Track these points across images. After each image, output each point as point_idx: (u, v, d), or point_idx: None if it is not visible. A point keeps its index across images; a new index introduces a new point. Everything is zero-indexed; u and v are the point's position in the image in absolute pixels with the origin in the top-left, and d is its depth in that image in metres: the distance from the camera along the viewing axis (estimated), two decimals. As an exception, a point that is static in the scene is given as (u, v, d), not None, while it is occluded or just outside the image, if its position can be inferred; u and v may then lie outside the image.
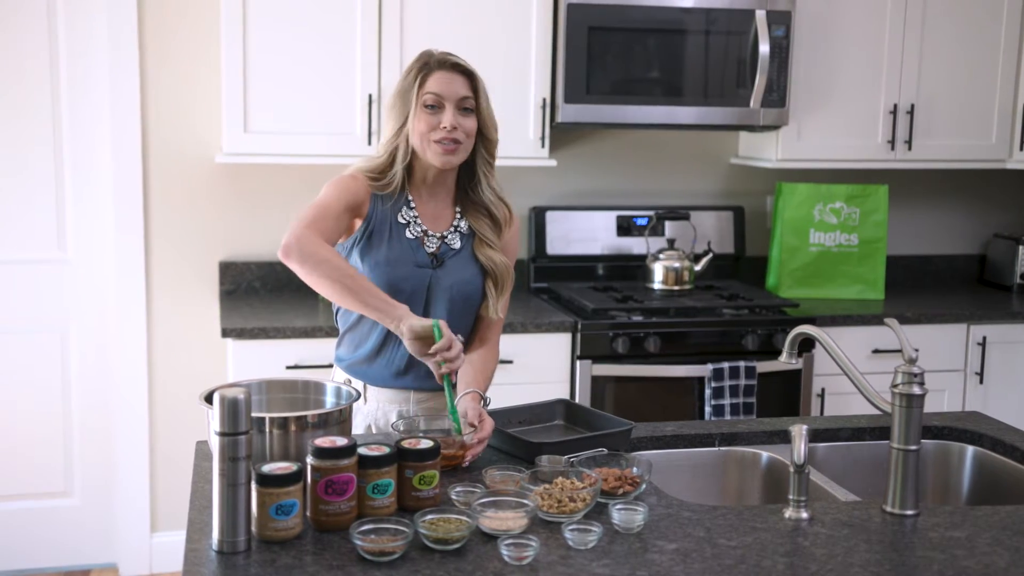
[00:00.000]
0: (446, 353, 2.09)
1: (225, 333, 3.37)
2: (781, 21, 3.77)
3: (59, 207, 3.79)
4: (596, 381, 3.55)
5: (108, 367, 3.87)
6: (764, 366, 3.62)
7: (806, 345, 3.69)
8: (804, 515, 1.87)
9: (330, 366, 2.53)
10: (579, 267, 4.09)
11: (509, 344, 3.48)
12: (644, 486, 1.95)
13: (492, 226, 2.40)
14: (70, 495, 3.91)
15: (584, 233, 4.07)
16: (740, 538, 1.78)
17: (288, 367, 3.36)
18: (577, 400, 3.54)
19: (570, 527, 1.76)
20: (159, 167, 3.80)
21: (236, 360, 3.38)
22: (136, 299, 3.82)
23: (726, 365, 3.56)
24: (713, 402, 3.56)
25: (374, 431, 2.39)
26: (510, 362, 3.49)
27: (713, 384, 3.56)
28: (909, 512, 1.90)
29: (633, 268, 4.09)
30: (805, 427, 1.89)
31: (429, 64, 2.30)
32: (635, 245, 4.10)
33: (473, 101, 2.30)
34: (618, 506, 1.82)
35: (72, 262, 3.83)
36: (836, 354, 2.03)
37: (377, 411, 2.39)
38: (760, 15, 3.73)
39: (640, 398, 3.59)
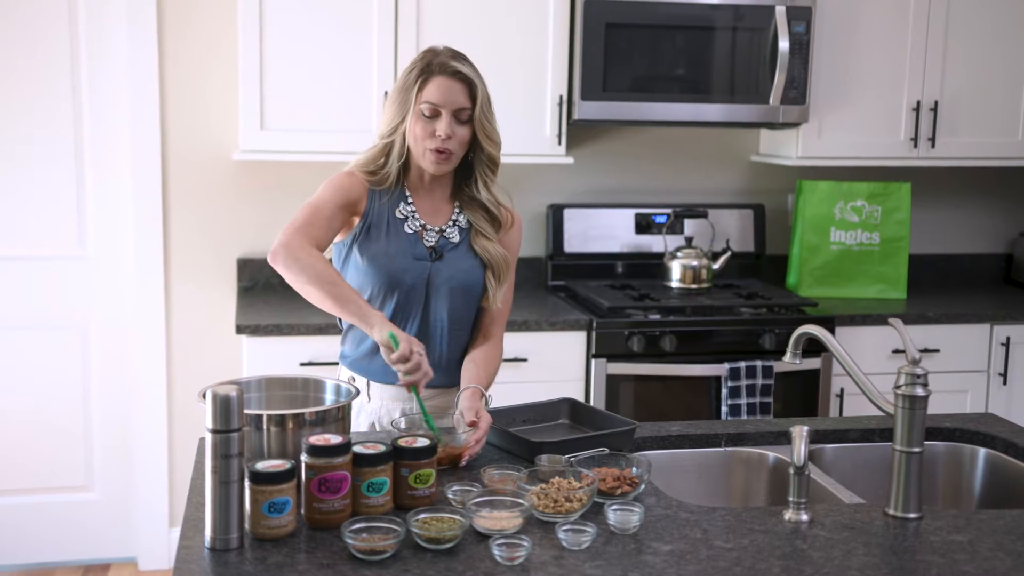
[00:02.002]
0: (400, 365, 2.09)
1: (240, 330, 3.38)
2: (801, 17, 3.73)
3: (79, 205, 3.82)
4: (611, 380, 3.52)
5: (127, 363, 3.89)
6: (782, 366, 3.59)
7: (825, 345, 3.64)
8: (804, 517, 1.85)
9: (343, 363, 2.53)
10: (597, 265, 4.07)
11: (523, 342, 3.48)
12: (643, 486, 1.94)
13: (489, 220, 2.40)
14: (90, 489, 3.94)
15: (602, 231, 4.05)
16: (737, 540, 1.76)
17: (302, 364, 3.36)
18: (592, 399, 3.52)
19: (564, 527, 1.75)
20: (178, 165, 3.83)
21: (251, 356, 3.39)
22: (155, 296, 3.84)
23: (743, 364, 3.53)
24: (729, 402, 3.53)
25: (378, 429, 2.39)
26: (524, 360, 3.48)
27: (729, 383, 3.53)
28: (912, 515, 1.87)
29: (652, 266, 4.06)
30: (806, 428, 1.87)
31: (431, 67, 2.28)
32: (654, 243, 4.07)
33: (469, 111, 2.28)
34: (614, 506, 1.80)
35: (92, 259, 3.86)
36: (839, 354, 2.00)
37: (381, 409, 2.39)
38: (780, 11, 3.70)
39: (656, 397, 3.57)
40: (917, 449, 1.87)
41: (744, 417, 3.53)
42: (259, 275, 3.90)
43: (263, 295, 3.83)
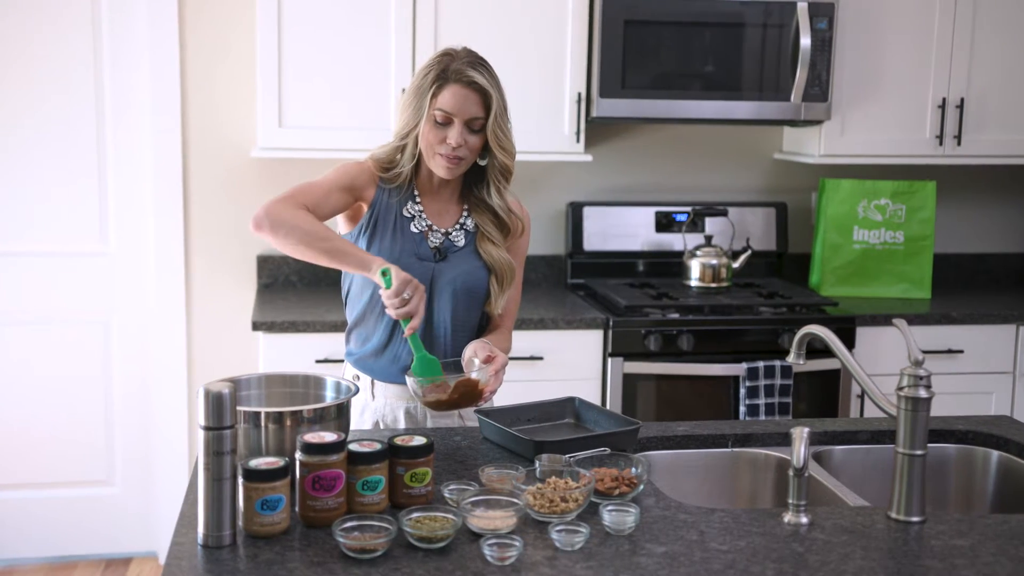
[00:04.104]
0: (392, 300, 2.12)
1: (255, 326, 3.39)
2: (824, 13, 3.69)
3: (101, 201, 3.85)
4: (628, 379, 3.50)
5: (148, 359, 3.92)
6: (802, 366, 3.52)
7: (846, 345, 3.58)
8: (803, 520, 1.82)
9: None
10: (617, 263, 4.04)
11: (540, 340, 3.47)
12: (642, 487, 1.92)
13: (497, 225, 2.39)
14: (111, 484, 3.97)
15: (622, 229, 4.02)
16: (733, 542, 1.74)
17: (317, 360, 3.36)
18: (608, 398, 3.51)
19: (558, 528, 1.73)
20: (198, 162, 3.85)
21: (267, 353, 3.40)
22: (175, 292, 3.87)
23: (761, 364, 3.50)
24: (747, 402, 3.50)
25: (382, 427, 2.39)
26: (540, 359, 3.47)
27: (747, 383, 3.50)
28: (914, 519, 1.84)
29: (674, 264, 4.03)
30: (806, 430, 1.84)
31: (447, 74, 2.25)
32: (675, 241, 4.04)
33: (482, 121, 2.27)
34: (609, 507, 1.79)
35: (113, 255, 3.89)
36: (842, 354, 1.97)
37: (385, 407, 2.39)
38: (802, 7, 3.66)
39: (673, 397, 3.54)
40: (920, 451, 1.84)
41: (762, 417, 3.49)
42: (278, 272, 3.92)
43: (282, 292, 3.85)
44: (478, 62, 2.29)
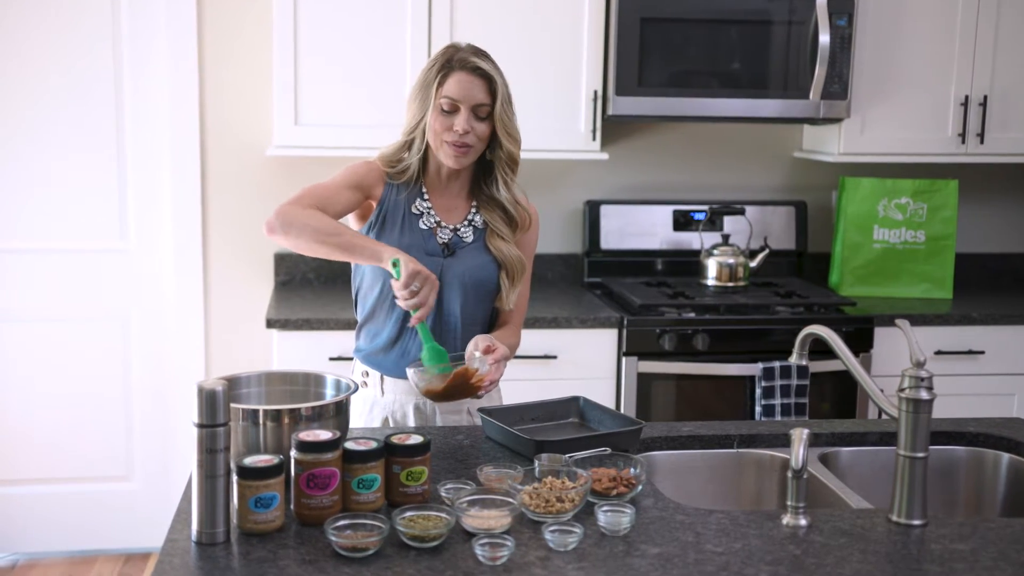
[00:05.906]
0: (402, 291, 2.14)
1: (270, 324, 3.40)
2: (843, 10, 3.65)
3: (121, 199, 3.88)
4: (642, 378, 3.48)
5: (166, 355, 3.95)
6: (819, 366, 3.52)
7: (863, 345, 3.57)
8: (802, 522, 1.80)
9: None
10: (635, 262, 4.02)
11: (554, 339, 3.46)
12: (640, 487, 1.90)
13: (506, 221, 2.39)
14: (130, 479, 4.00)
15: (640, 227, 4.00)
16: (729, 544, 1.73)
17: (331, 358, 3.37)
18: (623, 397, 3.49)
19: (551, 528, 1.72)
20: (217, 160, 3.87)
21: (280, 351, 3.41)
22: (194, 289, 3.89)
23: (777, 364, 3.47)
24: (763, 402, 3.47)
25: (391, 424, 2.39)
26: (554, 357, 3.46)
27: (763, 384, 3.47)
28: (916, 522, 1.81)
29: (692, 263, 4.00)
30: (806, 431, 1.82)
31: (451, 63, 2.29)
32: (693, 240, 4.01)
33: (488, 108, 2.28)
34: (604, 508, 1.77)
35: (133, 252, 3.92)
36: (844, 355, 1.95)
37: (394, 404, 2.39)
38: (821, 4, 3.62)
39: (688, 397, 3.52)
40: (921, 454, 1.82)
41: (778, 418, 3.47)
42: (295, 270, 3.93)
43: (299, 290, 3.86)
44: (481, 52, 2.33)
